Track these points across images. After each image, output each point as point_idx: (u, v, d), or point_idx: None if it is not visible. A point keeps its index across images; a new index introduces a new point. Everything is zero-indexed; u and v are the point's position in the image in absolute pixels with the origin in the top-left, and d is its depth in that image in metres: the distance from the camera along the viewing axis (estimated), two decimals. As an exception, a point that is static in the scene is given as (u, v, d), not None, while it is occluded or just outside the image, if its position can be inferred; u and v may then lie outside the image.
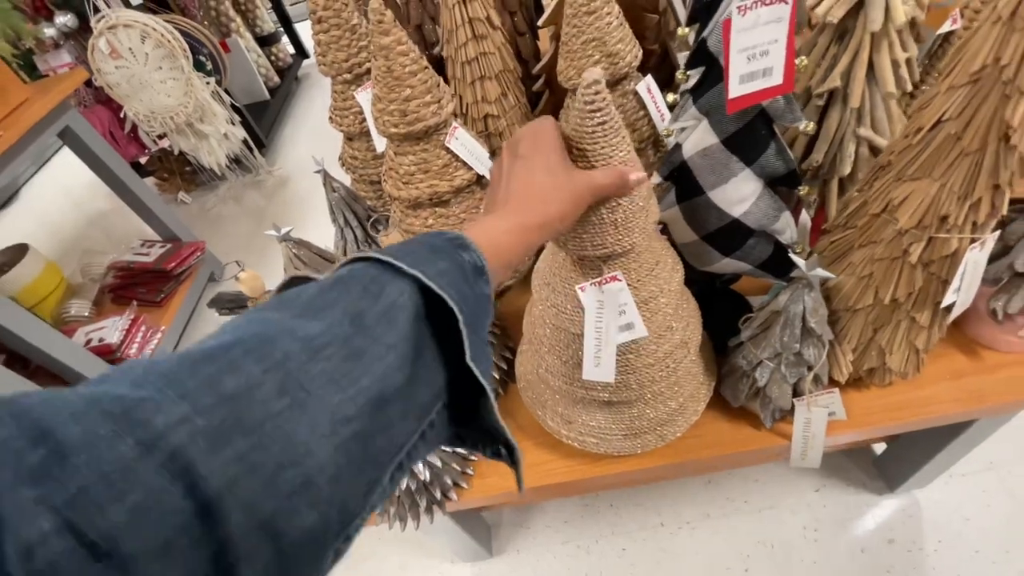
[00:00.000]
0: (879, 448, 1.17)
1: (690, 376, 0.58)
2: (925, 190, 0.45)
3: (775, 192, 0.54)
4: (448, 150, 0.70)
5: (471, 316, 0.27)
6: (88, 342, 1.64)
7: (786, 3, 0.39)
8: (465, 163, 0.72)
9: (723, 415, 0.65)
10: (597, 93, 0.37)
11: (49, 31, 2.06)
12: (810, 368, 0.56)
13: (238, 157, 2.60)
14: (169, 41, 2.16)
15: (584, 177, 0.39)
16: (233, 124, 2.46)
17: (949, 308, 0.52)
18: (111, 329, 1.65)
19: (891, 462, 1.11)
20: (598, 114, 0.38)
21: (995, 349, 0.64)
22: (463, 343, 0.26)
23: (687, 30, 0.50)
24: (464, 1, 0.78)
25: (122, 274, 1.90)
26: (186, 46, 2.22)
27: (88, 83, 2.20)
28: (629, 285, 0.45)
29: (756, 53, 0.41)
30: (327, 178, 0.84)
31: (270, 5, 3.19)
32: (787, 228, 0.56)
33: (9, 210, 3.06)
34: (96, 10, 2.07)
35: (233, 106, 2.47)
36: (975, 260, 0.47)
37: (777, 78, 0.43)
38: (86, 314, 1.83)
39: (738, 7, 0.39)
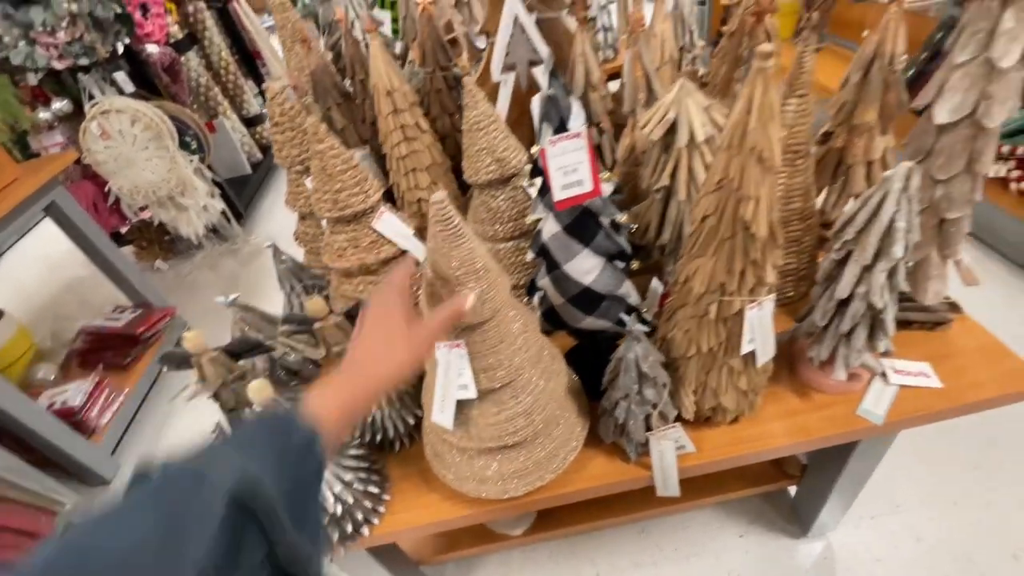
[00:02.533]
0: (794, 491, 1.27)
1: (560, 421, 0.70)
2: (706, 265, 0.59)
3: (615, 265, 0.68)
4: (374, 230, 0.85)
5: (294, 490, 0.35)
6: (51, 405, 1.68)
7: (580, 138, 0.55)
8: (390, 240, 0.86)
9: (601, 451, 0.76)
10: (442, 209, 0.52)
11: (44, 115, 2.24)
12: (655, 406, 0.68)
13: (216, 227, 2.75)
14: (157, 124, 2.36)
15: (421, 333, 0.50)
16: (213, 197, 2.63)
17: (754, 355, 0.65)
18: (75, 392, 1.71)
19: (801, 504, 1.21)
20: (446, 223, 0.53)
21: (821, 391, 0.77)
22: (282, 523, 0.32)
23: (535, 149, 0.67)
24: (396, 112, 0.95)
25: (91, 338, 1.97)
26: (173, 128, 2.42)
27: (76, 160, 2.37)
28: (473, 355, 0.59)
29: (569, 170, 0.57)
30: (276, 252, 0.98)
31: (257, 90, 3.48)
32: (631, 293, 0.71)
33: None
34: (91, 97, 2.28)
35: (215, 181, 2.65)
36: (758, 317, 0.61)
37: (588, 187, 0.58)
38: (51, 378, 1.88)
39: (549, 140, 0.55)
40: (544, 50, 0.87)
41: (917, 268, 0.74)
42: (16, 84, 2.17)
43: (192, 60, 3.03)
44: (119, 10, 2.19)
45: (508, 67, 0.89)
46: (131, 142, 2.36)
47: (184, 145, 2.53)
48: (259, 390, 0.63)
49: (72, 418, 1.67)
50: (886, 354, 0.74)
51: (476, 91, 0.78)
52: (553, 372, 0.69)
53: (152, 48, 2.71)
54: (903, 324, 0.81)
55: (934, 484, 1.33)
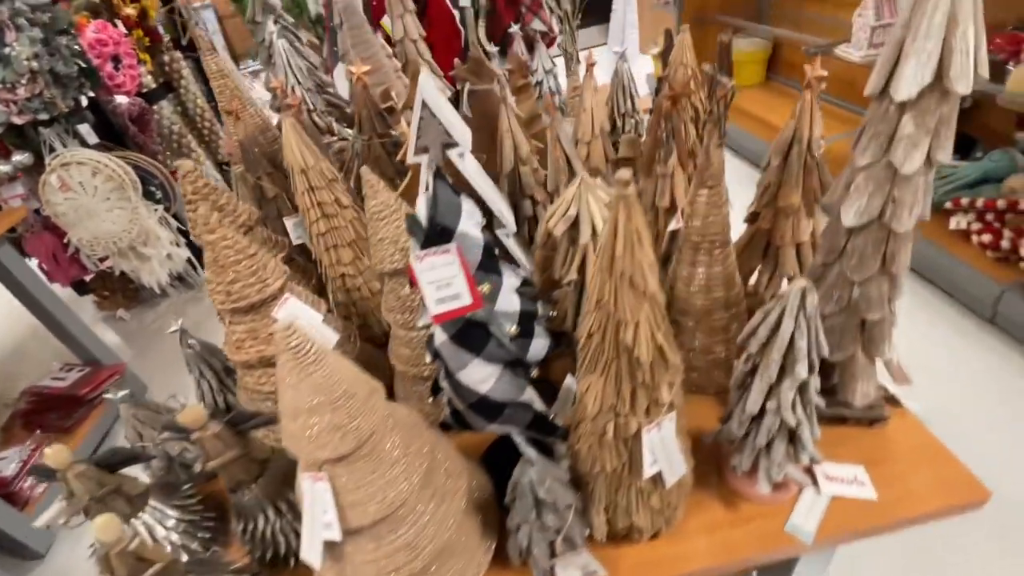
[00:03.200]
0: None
1: (458, 548, 0.63)
2: (597, 384, 0.54)
3: (515, 371, 0.63)
4: (276, 320, 0.79)
5: None
6: (-20, 475, 1.59)
7: (450, 253, 0.51)
8: (293, 330, 0.81)
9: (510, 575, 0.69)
10: (290, 337, 0.47)
11: (4, 167, 2.21)
12: (558, 532, 0.62)
13: (182, 275, 2.70)
14: (119, 176, 2.34)
15: None
16: (178, 245, 2.59)
17: (661, 475, 0.59)
18: (9, 460, 1.62)
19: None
20: (296, 351, 0.48)
21: (748, 500, 0.71)
22: None
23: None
24: (311, 189, 0.92)
25: (34, 400, 1.89)
26: (136, 179, 2.39)
27: (36, 210, 2.33)
28: (338, 490, 0.53)
29: (443, 284, 0.52)
30: (183, 335, 0.92)
31: (232, 135, 3.48)
32: (535, 400, 0.65)
33: None
34: (52, 149, 2.26)
35: (180, 229, 2.61)
36: (659, 438, 0.56)
37: (466, 300, 0.53)
38: (-12, 443, 1.79)
39: (416, 255, 0.50)
40: (460, 132, 0.84)
41: (843, 368, 0.69)
42: (-28, 139, 2.15)
43: (165, 108, 3.04)
44: (83, 65, 2.19)
45: (421, 149, 0.85)
46: (92, 194, 2.33)
47: (148, 195, 2.49)
48: (105, 528, 0.56)
49: (3, 489, 1.58)
50: (813, 463, 0.68)
51: (375, 181, 0.74)
52: (448, 492, 0.63)
53: (121, 99, 2.71)
54: (838, 420, 0.75)
55: None
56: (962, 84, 0.47)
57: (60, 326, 1.92)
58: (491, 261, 0.66)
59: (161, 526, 0.75)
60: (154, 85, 2.98)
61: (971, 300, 1.80)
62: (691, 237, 0.73)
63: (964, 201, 1.83)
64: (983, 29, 0.47)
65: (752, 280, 0.90)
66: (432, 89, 0.79)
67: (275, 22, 1.37)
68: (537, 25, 2.42)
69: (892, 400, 0.77)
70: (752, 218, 0.85)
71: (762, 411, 0.59)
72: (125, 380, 2.02)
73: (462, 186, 0.68)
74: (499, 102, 1.03)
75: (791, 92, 3.36)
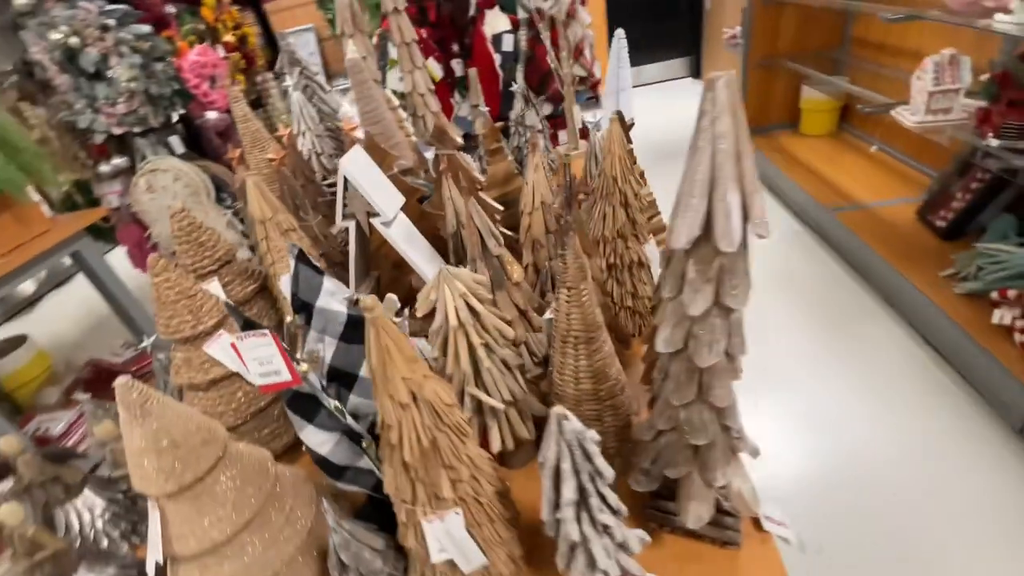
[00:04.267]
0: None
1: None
2: (389, 471, 0.59)
3: (353, 440, 0.69)
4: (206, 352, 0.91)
5: None
6: (37, 430, 1.90)
7: (267, 336, 0.58)
8: (220, 363, 0.92)
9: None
10: (123, 390, 0.57)
11: (105, 168, 2.63)
12: (367, 594, 0.67)
13: (239, 272, 3.02)
14: (196, 183, 2.68)
15: None
16: (242, 246, 2.90)
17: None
18: (58, 422, 1.91)
19: None
20: (127, 407, 0.57)
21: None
22: None
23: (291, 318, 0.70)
24: (267, 238, 1.04)
25: (94, 370, 2.21)
26: (211, 186, 2.73)
27: (128, 206, 2.73)
28: (166, 520, 0.61)
29: (264, 361, 0.60)
30: (154, 350, 1.08)
31: (306, 149, 3.84)
32: (372, 466, 0.71)
33: (32, 311, 3.63)
34: (144, 156, 2.64)
35: (244, 232, 2.93)
36: (443, 529, 0.59)
37: (286, 376, 0.61)
38: (53, 400, 2.12)
39: (237, 336, 0.59)
40: (386, 203, 0.92)
41: (680, 487, 0.68)
42: (84, 142, 2.58)
43: (251, 122, 3.41)
44: (176, 87, 2.55)
45: (348, 216, 0.94)
46: (172, 196, 2.68)
47: (220, 200, 2.83)
48: (9, 514, 0.69)
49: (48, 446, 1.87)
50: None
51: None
52: (286, 538, 0.70)
53: (211, 114, 3.10)
54: (693, 535, 0.73)
55: None
56: (724, 243, 0.48)
57: (124, 310, 2.24)
58: (355, 333, 0.73)
59: (89, 512, 0.89)
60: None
61: (1001, 406, 1.59)
62: (559, 329, 0.75)
63: (1011, 294, 1.63)
64: (756, 191, 0.47)
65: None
66: (357, 166, 0.89)
67: (300, 73, 1.55)
68: (577, 70, 2.47)
69: (755, 524, 0.74)
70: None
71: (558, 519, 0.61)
72: (169, 363, 2.31)
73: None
74: (464, 164, 1.11)
75: (861, 147, 3.13)
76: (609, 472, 0.57)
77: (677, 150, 3.91)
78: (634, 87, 5.63)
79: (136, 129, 2.44)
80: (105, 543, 0.89)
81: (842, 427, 1.78)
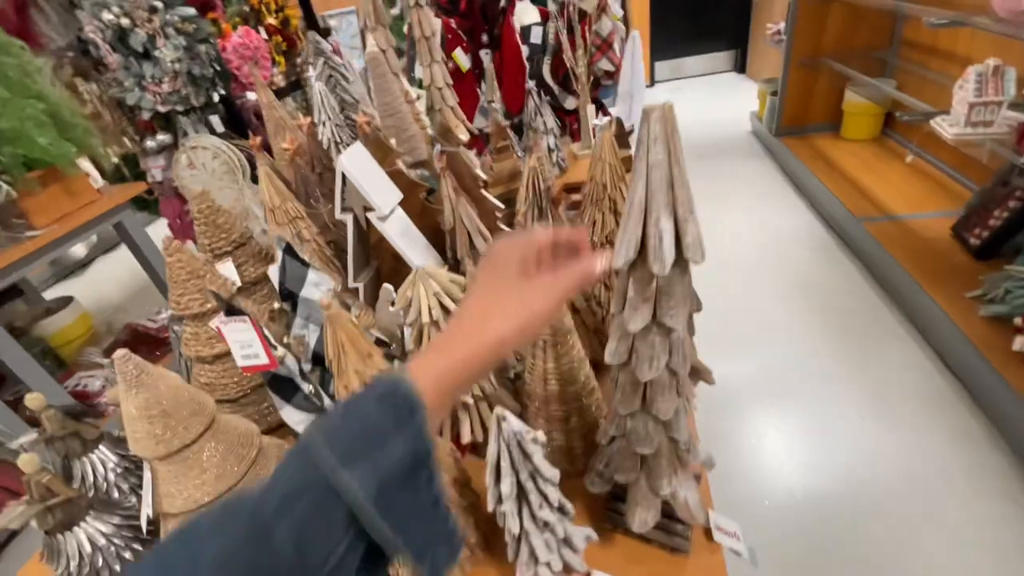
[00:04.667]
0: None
1: None
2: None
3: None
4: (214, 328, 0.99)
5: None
6: (76, 385, 2.06)
7: (246, 321, 0.64)
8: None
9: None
10: (122, 361, 0.64)
11: (151, 143, 2.78)
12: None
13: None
14: (233, 161, 2.80)
15: (540, 290, 0.42)
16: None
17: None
18: (96, 379, 2.07)
19: None
20: (124, 376, 0.64)
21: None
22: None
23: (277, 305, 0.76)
24: (276, 225, 1.10)
25: (131, 333, 2.38)
26: (247, 165, 2.85)
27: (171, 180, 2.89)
28: (158, 479, 0.68)
29: (245, 344, 0.66)
30: (170, 321, 1.16)
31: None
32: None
33: (83, 274, 3.87)
34: (186, 133, 2.78)
35: (274, 210, 3.05)
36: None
37: (264, 360, 0.67)
38: (94, 359, 2.29)
39: (221, 320, 0.65)
40: (382, 198, 0.97)
41: (628, 492, 0.71)
42: (133, 118, 2.74)
43: (289, 104, 3.53)
44: (218, 68, 2.67)
45: (346, 209, 0.99)
46: (210, 173, 2.82)
47: (255, 179, 2.95)
48: (26, 462, 0.78)
49: (88, 401, 2.03)
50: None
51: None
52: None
53: (251, 95, 3.23)
54: (644, 538, 0.77)
55: None
56: (656, 266, 0.50)
57: (160, 279, 2.39)
58: (337, 323, 0.79)
59: (103, 466, 0.99)
60: (282, 84, 3.48)
61: (1012, 436, 1.54)
62: (529, 332, 0.79)
63: (1033, 321, 1.56)
64: (689, 218, 0.49)
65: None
66: (354, 162, 0.94)
67: (324, 64, 1.60)
68: (605, 65, 2.46)
69: (706, 533, 0.76)
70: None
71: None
72: (198, 331, 2.46)
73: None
74: (466, 161, 1.15)
75: (903, 154, 3.00)
76: (551, 472, 0.60)
77: (714, 150, 3.82)
78: (676, 80, 5.59)
79: (179, 108, 2.56)
80: (116, 495, 0.99)
81: (845, 442, 1.76)
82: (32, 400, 0.91)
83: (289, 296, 0.75)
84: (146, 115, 2.67)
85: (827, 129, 3.46)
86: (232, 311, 0.67)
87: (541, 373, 0.81)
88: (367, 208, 0.97)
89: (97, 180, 2.86)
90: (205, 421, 0.71)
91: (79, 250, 3.92)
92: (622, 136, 1.12)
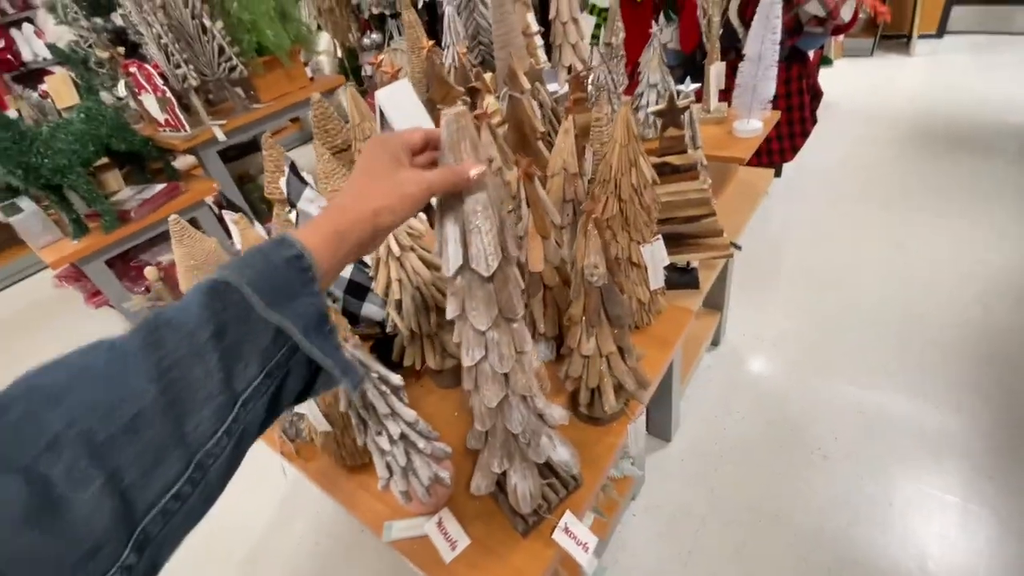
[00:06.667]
0: None
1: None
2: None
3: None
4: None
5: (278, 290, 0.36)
6: (271, 227, 2.72)
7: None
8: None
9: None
10: (175, 226, 0.90)
11: (367, 40, 3.22)
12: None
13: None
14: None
15: (412, 177, 0.46)
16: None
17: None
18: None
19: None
20: (179, 237, 0.91)
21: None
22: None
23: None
24: (355, 139, 1.29)
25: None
26: (434, 70, 3.15)
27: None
28: None
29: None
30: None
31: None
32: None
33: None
34: (391, 36, 3.14)
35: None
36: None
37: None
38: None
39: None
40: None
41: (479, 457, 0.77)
42: (358, 16, 3.18)
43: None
44: (422, -25, 2.90)
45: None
46: (405, 75, 3.19)
47: (439, 84, 3.24)
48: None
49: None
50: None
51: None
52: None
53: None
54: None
55: None
56: (483, 268, 0.53)
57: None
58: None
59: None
60: None
61: None
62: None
63: None
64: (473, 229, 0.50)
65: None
66: (392, 99, 1.04)
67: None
68: (814, 8, 2.03)
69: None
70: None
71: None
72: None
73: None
74: (524, 112, 1.19)
75: None
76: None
77: (983, 136, 2.83)
78: (985, 34, 4.19)
79: (386, 11, 2.90)
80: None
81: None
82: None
83: (291, 205, 0.93)
84: (365, 14, 3.09)
85: None
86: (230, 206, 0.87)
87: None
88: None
89: (323, 69, 3.45)
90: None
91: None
92: (673, 113, 0.99)
